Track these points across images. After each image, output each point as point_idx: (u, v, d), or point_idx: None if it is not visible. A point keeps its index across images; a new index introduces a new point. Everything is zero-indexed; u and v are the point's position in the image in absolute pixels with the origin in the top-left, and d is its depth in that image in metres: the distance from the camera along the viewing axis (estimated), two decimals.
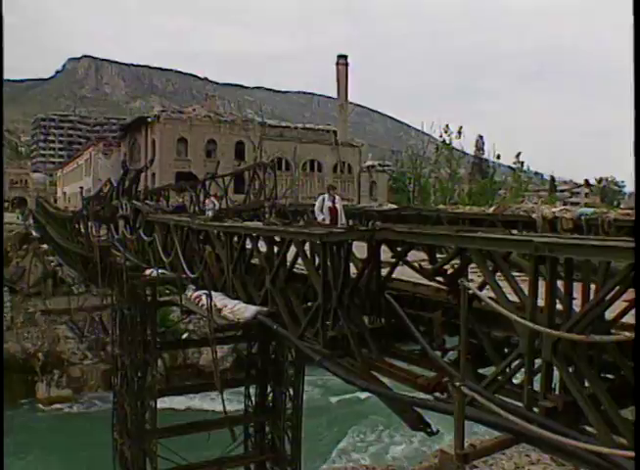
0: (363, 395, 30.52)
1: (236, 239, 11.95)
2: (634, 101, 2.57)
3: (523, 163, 72.93)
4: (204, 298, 11.89)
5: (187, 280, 13.84)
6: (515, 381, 6.36)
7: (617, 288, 5.13)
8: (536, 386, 5.83)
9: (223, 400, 12.47)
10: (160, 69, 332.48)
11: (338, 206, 16.01)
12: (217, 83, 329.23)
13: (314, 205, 16.97)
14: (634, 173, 2.61)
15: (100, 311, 41.00)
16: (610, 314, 5.54)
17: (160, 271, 15.19)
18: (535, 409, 5.77)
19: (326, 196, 16.07)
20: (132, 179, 24.74)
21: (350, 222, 18.14)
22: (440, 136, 66.38)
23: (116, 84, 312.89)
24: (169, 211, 26.41)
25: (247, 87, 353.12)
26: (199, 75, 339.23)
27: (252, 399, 20.84)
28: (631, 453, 4.80)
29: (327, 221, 15.37)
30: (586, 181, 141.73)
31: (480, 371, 7.10)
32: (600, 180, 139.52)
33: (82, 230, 28.47)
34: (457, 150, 67.90)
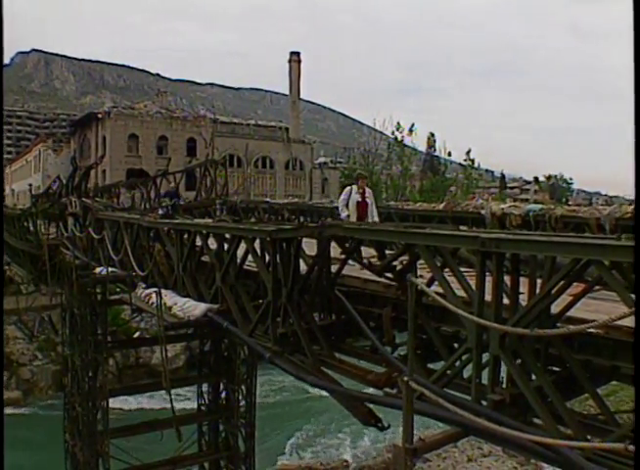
0: (316, 391, 30.58)
1: (186, 236, 11.87)
2: (634, 101, 2.58)
3: (473, 160, 73.91)
4: (154, 296, 11.78)
5: (137, 278, 13.71)
6: (465, 375, 6.42)
7: (563, 282, 5.22)
8: (485, 380, 5.90)
9: (171, 400, 12.36)
10: (112, 64, 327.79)
11: (368, 200, 12.98)
12: (169, 79, 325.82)
13: (273, 200, 16.20)
14: (634, 173, 2.63)
15: (49, 311, 40.32)
16: (556, 308, 5.62)
17: (109, 269, 15.03)
18: (484, 402, 5.83)
19: (354, 188, 12.90)
20: (82, 176, 24.45)
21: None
22: (392, 133, 66.74)
23: (67, 79, 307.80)
24: (161, 196, 26.31)
25: (199, 83, 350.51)
26: (151, 71, 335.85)
27: (206, 397, 20.74)
28: (575, 443, 4.89)
29: (353, 219, 12.54)
30: (535, 178, 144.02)
31: (431, 366, 7.15)
32: (549, 177, 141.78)
33: (31, 228, 27.99)
34: (409, 147, 68.29)
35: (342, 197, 13.09)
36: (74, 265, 17.49)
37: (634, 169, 2.62)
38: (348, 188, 13.04)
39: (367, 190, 13.08)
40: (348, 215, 12.57)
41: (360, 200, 12.72)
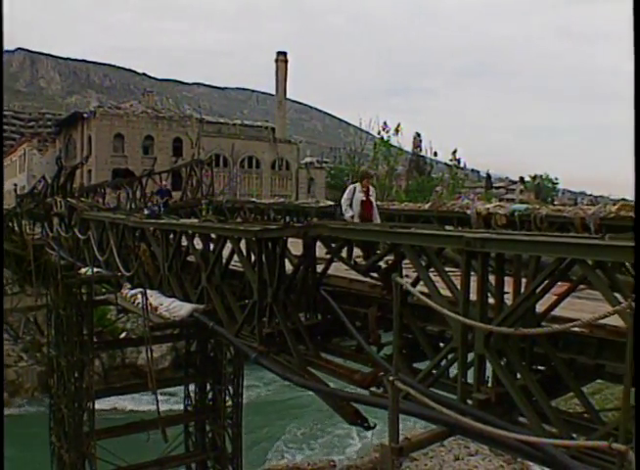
0: (303, 391, 30.47)
1: (172, 236, 11.83)
2: (634, 101, 2.59)
3: (459, 160, 74.39)
4: (139, 296, 11.74)
5: (123, 278, 13.65)
6: (451, 374, 6.43)
7: (547, 281, 5.24)
8: (471, 379, 5.91)
9: (157, 400, 12.32)
10: (98, 63, 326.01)
11: (372, 198, 12.55)
12: (155, 79, 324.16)
13: (278, 200, 15.84)
14: (634, 173, 2.64)
15: (35, 312, 40.08)
16: (541, 307, 5.64)
17: (95, 270, 14.96)
18: (469, 402, 5.84)
19: (357, 186, 12.38)
20: (67, 176, 24.29)
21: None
22: (378, 133, 66.77)
23: (52, 79, 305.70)
24: (154, 194, 26.22)
25: (185, 83, 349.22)
26: (137, 71, 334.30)
27: (192, 397, 20.71)
28: (560, 441, 4.91)
29: (356, 219, 12.17)
30: (521, 178, 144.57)
31: (416, 365, 7.16)
32: (535, 177, 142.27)
33: (16, 228, 27.84)
34: (395, 147, 68.35)
35: (345, 196, 12.52)
36: (60, 266, 17.40)
37: (634, 169, 2.63)
38: (352, 187, 12.59)
39: (371, 189, 12.68)
40: (353, 216, 12.17)
41: (364, 199, 12.28)
